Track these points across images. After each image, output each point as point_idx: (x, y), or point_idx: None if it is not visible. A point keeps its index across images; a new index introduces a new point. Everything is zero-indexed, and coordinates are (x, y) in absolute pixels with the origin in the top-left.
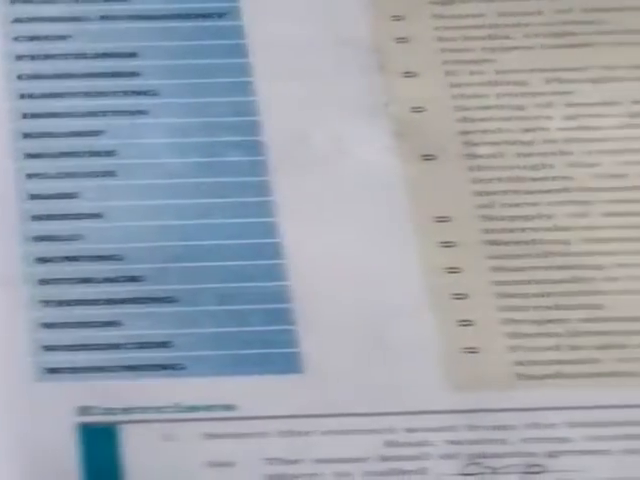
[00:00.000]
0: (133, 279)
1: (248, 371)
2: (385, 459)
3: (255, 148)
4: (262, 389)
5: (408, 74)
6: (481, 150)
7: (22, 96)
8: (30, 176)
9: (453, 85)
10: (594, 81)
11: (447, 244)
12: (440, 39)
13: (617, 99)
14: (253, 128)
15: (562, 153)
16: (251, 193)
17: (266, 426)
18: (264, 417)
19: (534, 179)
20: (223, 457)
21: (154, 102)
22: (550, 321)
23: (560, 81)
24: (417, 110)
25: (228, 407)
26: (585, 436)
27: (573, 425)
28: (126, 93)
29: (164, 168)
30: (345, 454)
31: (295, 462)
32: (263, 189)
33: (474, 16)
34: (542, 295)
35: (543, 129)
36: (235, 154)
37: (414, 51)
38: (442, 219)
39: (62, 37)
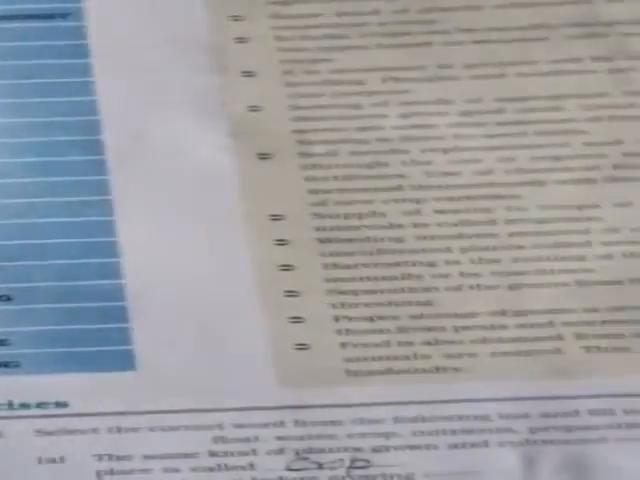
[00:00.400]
0: None
1: (81, 368)
2: (213, 454)
3: (94, 147)
4: (94, 386)
5: (246, 73)
6: (316, 149)
7: None
8: None
9: (289, 84)
10: (429, 80)
11: (281, 242)
12: (278, 38)
13: (451, 97)
14: (92, 127)
15: (396, 151)
16: (89, 192)
17: (96, 422)
18: (95, 414)
19: (368, 177)
20: (53, 453)
21: None
22: (381, 318)
23: (396, 80)
24: (254, 109)
25: (60, 404)
26: (411, 431)
27: (399, 420)
28: None
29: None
30: (174, 450)
31: (124, 458)
32: (101, 188)
33: (312, 16)
34: (374, 292)
35: (378, 128)
36: (73, 153)
37: (252, 51)
38: (276, 217)
39: None
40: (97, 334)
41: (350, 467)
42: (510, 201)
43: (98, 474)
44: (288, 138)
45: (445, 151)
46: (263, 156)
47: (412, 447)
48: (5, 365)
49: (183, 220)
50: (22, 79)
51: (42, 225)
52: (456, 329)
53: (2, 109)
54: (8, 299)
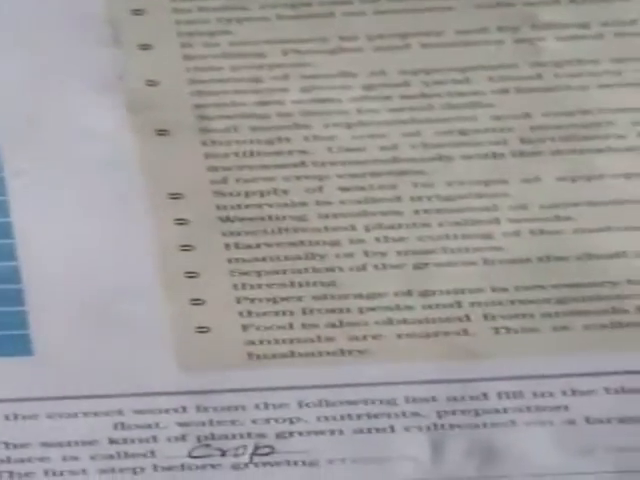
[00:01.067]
0: None
1: None
2: (113, 442)
3: None
4: None
5: (143, 47)
6: (215, 124)
7: None
8: None
9: (188, 58)
10: (331, 52)
11: (181, 221)
12: (175, 10)
13: (354, 70)
14: None
15: (298, 126)
16: None
17: None
18: None
19: (269, 153)
20: None
21: None
22: (284, 299)
23: (297, 52)
24: (152, 84)
25: None
26: (315, 416)
27: (303, 405)
28: None
29: None
30: (73, 437)
31: (21, 446)
32: None
33: None
34: (276, 272)
35: (279, 102)
36: None
37: (149, 23)
38: (176, 196)
39: None
40: None
41: (253, 454)
42: (416, 177)
43: None
44: (187, 113)
45: (348, 126)
46: (162, 132)
47: (316, 432)
48: None
49: (81, 200)
50: None
51: None
52: (361, 310)
53: None
54: None
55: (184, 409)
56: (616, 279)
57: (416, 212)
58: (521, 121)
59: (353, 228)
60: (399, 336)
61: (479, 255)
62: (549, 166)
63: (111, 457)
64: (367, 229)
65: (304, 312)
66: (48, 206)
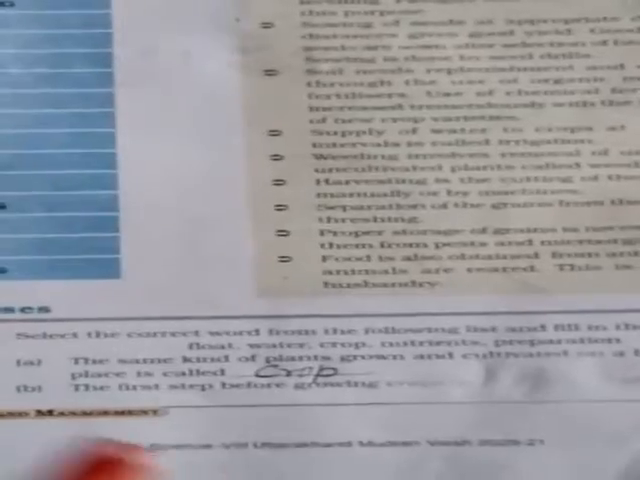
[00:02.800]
0: None
1: (66, 275)
2: (187, 360)
3: (103, 60)
4: (78, 293)
5: None
6: (322, 66)
7: None
8: None
9: (303, 2)
10: (442, 0)
11: (276, 157)
12: None
13: (462, 18)
14: (104, 40)
15: (401, 71)
16: (93, 104)
17: (76, 327)
18: (75, 319)
19: (370, 96)
20: (31, 356)
21: (9, 13)
22: (365, 233)
23: (410, 0)
24: (266, 26)
25: (43, 309)
26: (380, 342)
27: (370, 331)
28: None
29: (7, 78)
30: (148, 355)
31: (99, 362)
32: (106, 101)
33: None
34: (361, 208)
35: (386, 47)
36: (82, 66)
37: None
38: (275, 133)
39: None
40: (86, 242)
41: (317, 375)
42: (506, 122)
43: (72, 376)
44: (296, 55)
45: (449, 72)
46: (270, 72)
47: (379, 357)
48: None
49: (183, 134)
50: None
51: (43, 135)
52: (437, 245)
53: (17, 20)
54: (2, 207)
55: (257, 332)
56: None
57: (502, 155)
58: (615, 72)
59: (440, 168)
60: (469, 270)
61: (556, 197)
62: (635, 115)
63: (183, 374)
64: (453, 170)
65: (382, 245)
66: (152, 138)
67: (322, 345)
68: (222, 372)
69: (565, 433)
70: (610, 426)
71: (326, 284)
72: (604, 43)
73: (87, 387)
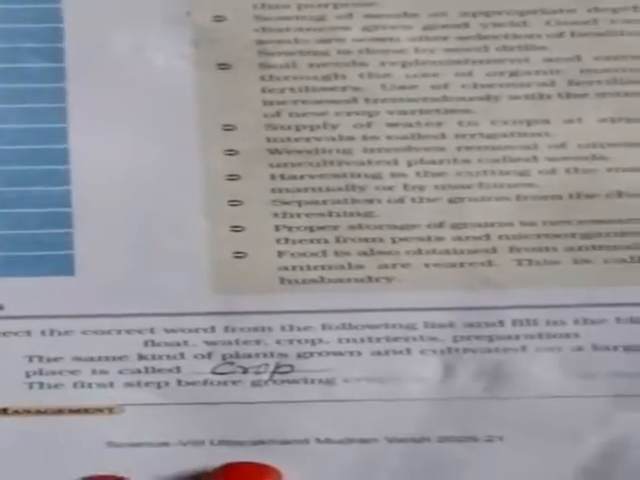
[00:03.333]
0: None
1: (20, 272)
2: (142, 357)
3: (55, 55)
4: (32, 290)
5: None
6: (275, 60)
7: None
8: None
9: None
10: None
11: (231, 152)
12: None
13: (416, 11)
14: (54, 35)
15: (355, 64)
16: (45, 99)
17: (29, 325)
18: (29, 317)
19: (324, 89)
20: None
21: None
22: (321, 228)
23: None
24: (218, 19)
25: None
26: (337, 338)
27: (327, 327)
28: None
29: None
30: (104, 353)
31: (54, 360)
32: (58, 95)
33: None
34: (316, 202)
35: (339, 40)
36: (34, 61)
37: None
38: (229, 127)
39: None
40: (39, 239)
41: (274, 372)
42: (462, 115)
43: (27, 374)
44: (249, 49)
45: (404, 64)
46: (223, 66)
47: (336, 353)
48: None
49: (136, 129)
50: None
51: None
52: (393, 240)
53: None
54: None
55: (212, 329)
56: None
57: (458, 149)
58: (571, 64)
59: (396, 162)
60: (427, 265)
61: (513, 191)
62: (592, 108)
63: (138, 372)
64: (409, 164)
65: (338, 240)
66: (104, 133)
67: (278, 342)
68: (178, 370)
69: (524, 429)
70: (569, 422)
71: (282, 280)
72: (560, 35)
73: (42, 385)
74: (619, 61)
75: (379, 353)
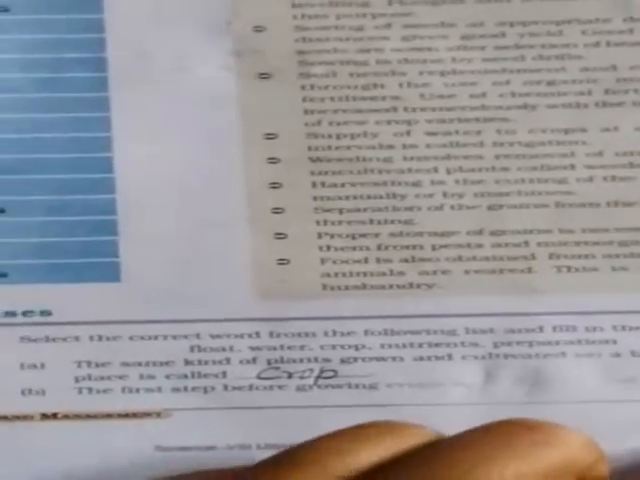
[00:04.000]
0: None
1: (67, 279)
2: (188, 363)
3: (98, 64)
4: (78, 296)
5: None
6: (315, 70)
7: None
8: None
9: (295, 5)
10: (434, 3)
11: (273, 160)
12: None
13: (453, 21)
14: (97, 45)
15: (394, 73)
16: (89, 109)
17: (78, 331)
18: (77, 322)
19: (364, 98)
20: (35, 360)
21: (3, 18)
22: (362, 235)
23: (401, 3)
24: (258, 29)
25: (45, 312)
26: (380, 343)
27: (369, 333)
28: None
29: (5, 83)
30: (151, 358)
31: (102, 365)
32: (102, 105)
33: None
34: (358, 210)
35: (378, 50)
36: (77, 70)
37: None
38: (270, 136)
39: None
40: (86, 246)
41: (318, 377)
42: (500, 124)
43: (76, 379)
44: (290, 59)
45: (442, 74)
46: (264, 76)
47: (378, 359)
48: None
49: (179, 137)
50: None
51: (41, 140)
52: (433, 247)
53: (13, 26)
54: (2, 211)
55: (257, 334)
56: None
57: (497, 157)
58: (607, 73)
59: (435, 170)
60: (466, 272)
61: (552, 198)
62: (629, 116)
63: (185, 377)
64: (448, 172)
65: (379, 248)
66: (148, 141)
67: (322, 347)
68: (224, 374)
69: None
70: (608, 426)
71: (324, 286)
72: (596, 44)
73: (90, 390)
74: None
75: (421, 358)
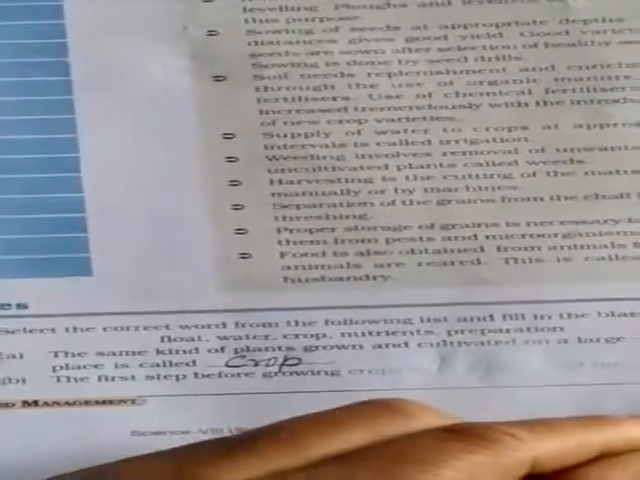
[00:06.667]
0: None
1: (42, 274)
2: (160, 352)
3: (61, 69)
4: (54, 290)
5: (206, 0)
6: (268, 72)
7: None
8: None
9: (247, 10)
10: (378, 7)
11: (231, 159)
12: None
13: (398, 24)
14: (60, 50)
15: (343, 75)
16: (55, 111)
17: (54, 323)
18: (53, 315)
19: (316, 99)
20: (14, 350)
21: None
22: (319, 230)
23: (347, 7)
24: (212, 34)
25: (21, 306)
26: (340, 332)
27: (330, 323)
28: None
29: None
30: (124, 348)
31: (78, 354)
32: (67, 107)
33: None
34: (314, 206)
35: (327, 52)
36: (41, 74)
37: None
38: (228, 136)
39: None
40: (58, 242)
41: (283, 364)
42: (446, 123)
43: (54, 368)
44: (243, 61)
45: (389, 75)
46: (219, 78)
47: (339, 347)
48: None
49: (141, 137)
50: None
51: (9, 141)
52: (387, 241)
53: None
54: None
55: (224, 325)
56: (618, 217)
57: (444, 154)
58: (546, 73)
59: (386, 167)
60: (419, 264)
61: (497, 193)
62: (568, 114)
63: (157, 365)
64: (399, 168)
65: (336, 242)
66: (112, 142)
67: (285, 336)
68: (194, 363)
69: (515, 416)
70: (556, 408)
71: (285, 279)
72: (535, 46)
73: (68, 379)
74: (590, 70)
75: (379, 346)
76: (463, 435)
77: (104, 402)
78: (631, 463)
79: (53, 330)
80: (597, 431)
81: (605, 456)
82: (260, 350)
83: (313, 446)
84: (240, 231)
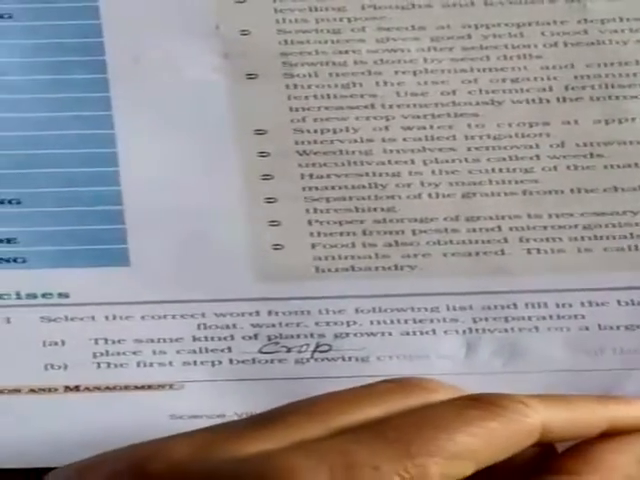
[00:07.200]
0: None
1: (82, 264)
2: (196, 339)
3: (97, 67)
4: (93, 279)
5: (239, 0)
6: (298, 70)
7: None
8: None
9: (277, 10)
10: (404, 8)
11: (263, 154)
12: None
13: (423, 24)
14: (96, 49)
15: (371, 73)
16: (93, 108)
17: (93, 311)
18: (93, 303)
19: (344, 96)
20: (55, 337)
21: (7, 24)
22: (348, 222)
23: (374, 7)
24: (245, 33)
25: (62, 295)
26: (369, 320)
27: (359, 311)
28: None
29: (12, 85)
30: (162, 335)
31: (117, 342)
32: (103, 104)
33: None
34: (343, 199)
35: (355, 51)
36: (79, 72)
37: None
38: (260, 132)
39: None
40: (96, 234)
41: (314, 351)
42: (470, 119)
43: (94, 355)
44: (274, 60)
45: (415, 73)
46: (251, 76)
47: (369, 334)
48: (14, 260)
49: (176, 133)
50: (34, 3)
51: (51, 137)
52: (414, 232)
53: (17, 32)
54: (18, 202)
55: (257, 313)
56: (636, 209)
57: (468, 149)
58: (566, 71)
59: (412, 162)
60: (445, 255)
61: (520, 186)
62: (587, 110)
63: (194, 352)
64: (425, 163)
65: (365, 233)
66: (149, 139)
67: (317, 324)
68: (229, 350)
69: None
70: (577, 393)
71: (317, 269)
72: (555, 45)
73: (108, 365)
74: (608, 68)
75: (407, 333)
76: (478, 402)
77: (143, 387)
78: (638, 443)
79: (93, 318)
80: (607, 406)
81: (613, 434)
82: (292, 337)
83: (335, 418)
84: (273, 223)
